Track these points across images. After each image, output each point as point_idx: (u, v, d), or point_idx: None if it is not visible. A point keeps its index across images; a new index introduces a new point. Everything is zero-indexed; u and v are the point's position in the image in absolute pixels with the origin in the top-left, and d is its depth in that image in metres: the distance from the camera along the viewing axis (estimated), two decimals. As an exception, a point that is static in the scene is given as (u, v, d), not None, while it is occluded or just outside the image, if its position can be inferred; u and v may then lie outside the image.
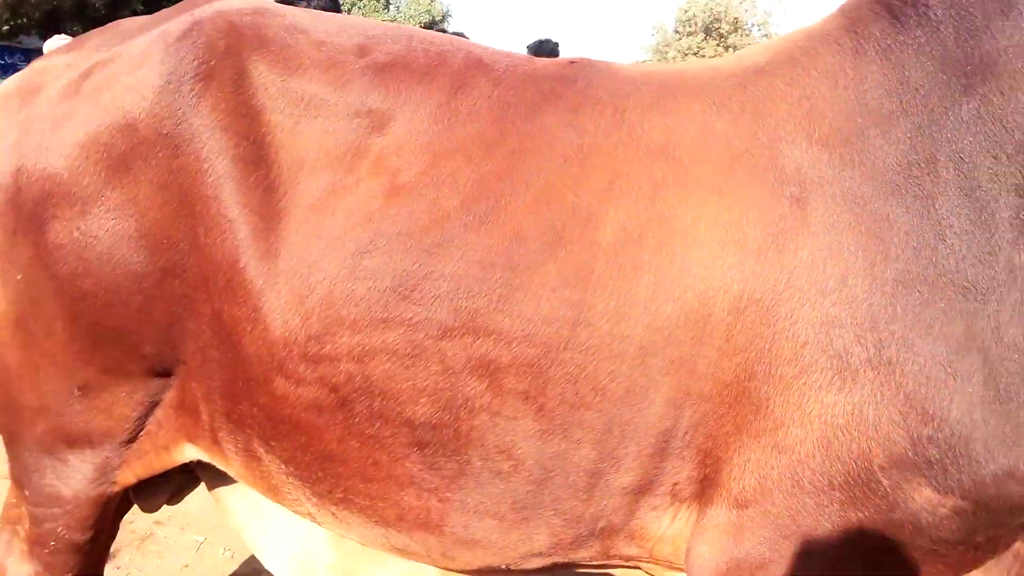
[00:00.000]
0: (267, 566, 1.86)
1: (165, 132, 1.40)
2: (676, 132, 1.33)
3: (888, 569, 1.25)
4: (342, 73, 1.44)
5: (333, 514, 1.48)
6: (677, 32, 33.62)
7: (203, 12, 1.51)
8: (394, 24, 1.75)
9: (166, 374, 1.54)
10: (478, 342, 1.28)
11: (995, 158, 1.21)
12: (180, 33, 1.46)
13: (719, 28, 32.47)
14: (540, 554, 1.43)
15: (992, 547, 1.27)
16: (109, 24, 1.74)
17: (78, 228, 1.45)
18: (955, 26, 1.26)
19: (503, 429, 1.30)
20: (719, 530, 1.32)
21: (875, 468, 1.19)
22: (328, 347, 1.35)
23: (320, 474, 1.43)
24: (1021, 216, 1.20)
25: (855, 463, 1.20)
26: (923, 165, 1.23)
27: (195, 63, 1.42)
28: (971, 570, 1.30)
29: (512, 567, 1.48)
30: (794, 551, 1.27)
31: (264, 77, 1.44)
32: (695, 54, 29.63)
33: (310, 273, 1.36)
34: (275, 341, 1.37)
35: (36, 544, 1.70)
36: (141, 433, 1.59)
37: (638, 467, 1.31)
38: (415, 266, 1.32)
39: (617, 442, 1.29)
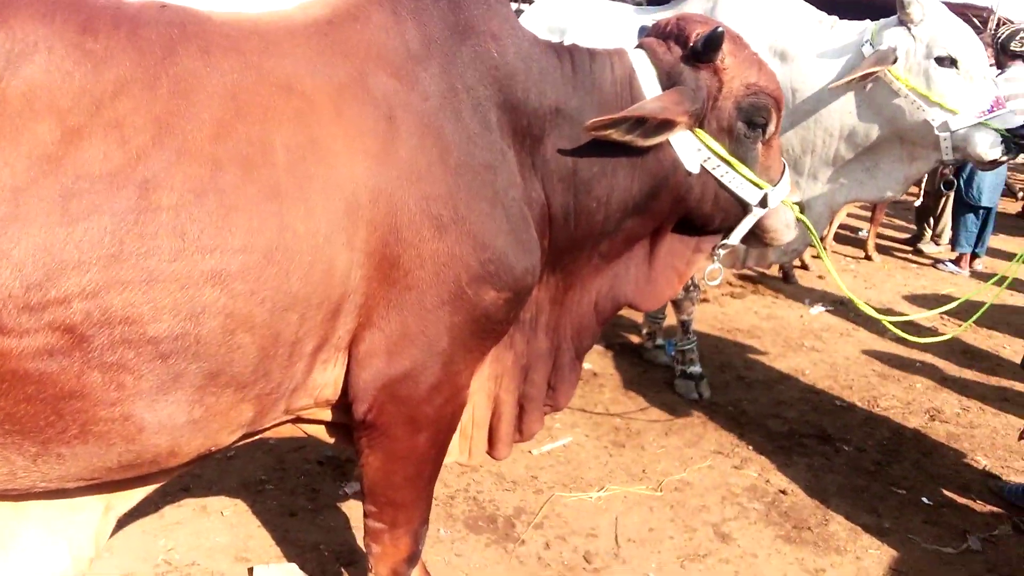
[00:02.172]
0: None
1: None
2: (293, 71, 1.68)
3: (473, 348, 1.95)
4: None
5: (60, 455, 1.47)
6: None
7: None
8: None
9: None
10: (210, 258, 1.48)
11: (485, 87, 1.91)
12: None
13: None
14: (243, 425, 1.71)
15: (516, 319, 2.07)
16: None
17: None
18: None
19: (237, 322, 1.54)
20: (374, 359, 1.82)
21: (463, 285, 1.85)
22: (55, 291, 1.35)
23: (52, 418, 1.42)
24: (502, 120, 1.94)
25: (453, 284, 1.83)
26: (450, 91, 1.86)
27: None
28: (504, 335, 2.10)
29: (215, 448, 1.71)
30: (426, 356, 1.86)
31: None
32: None
33: (7, 225, 1.32)
34: None
35: None
36: None
37: (321, 330, 1.71)
38: (132, 201, 1.41)
39: (314, 312, 1.66)
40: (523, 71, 1.96)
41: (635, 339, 5.02)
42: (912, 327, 4.53)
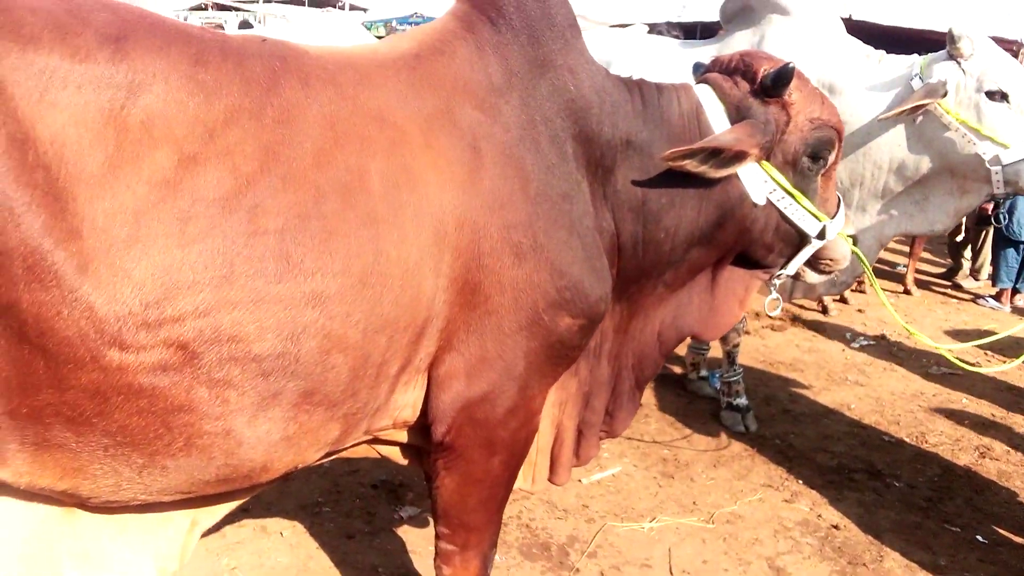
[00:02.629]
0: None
1: None
2: (385, 102, 1.74)
3: (547, 373, 1.98)
4: (77, 42, 1.40)
5: (164, 467, 1.51)
6: None
7: None
8: None
9: None
10: (308, 280, 1.52)
11: (562, 119, 1.96)
12: None
13: None
14: (329, 443, 1.74)
15: (586, 345, 2.10)
16: None
17: None
18: (527, 33, 1.94)
19: (332, 343, 1.58)
20: (454, 381, 1.85)
21: (540, 311, 1.88)
22: (170, 310, 1.40)
23: (161, 431, 1.46)
24: (577, 152, 1.98)
25: (530, 310, 1.86)
26: (530, 123, 1.91)
27: None
28: (575, 360, 2.12)
29: (301, 465, 1.75)
30: (503, 380, 1.89)
31: None
32: None
33: (128, 247, 1.37)
34: (105, 317, 1.35)
35: None
36: None
37: (405, 353, 1.75)
38: (242, 225, 1.46)
39: (401, 335, 1.70)
40: (597, 104, 2.00)
41: (678, 370, 5.01)
42: (960, 361, 4.48)
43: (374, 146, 1.67)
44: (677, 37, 5.08)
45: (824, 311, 6.63)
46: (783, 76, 2.10)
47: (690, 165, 1.99)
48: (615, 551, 3.16)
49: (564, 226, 1.91)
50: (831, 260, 2.39)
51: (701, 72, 2.37)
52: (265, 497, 3.20)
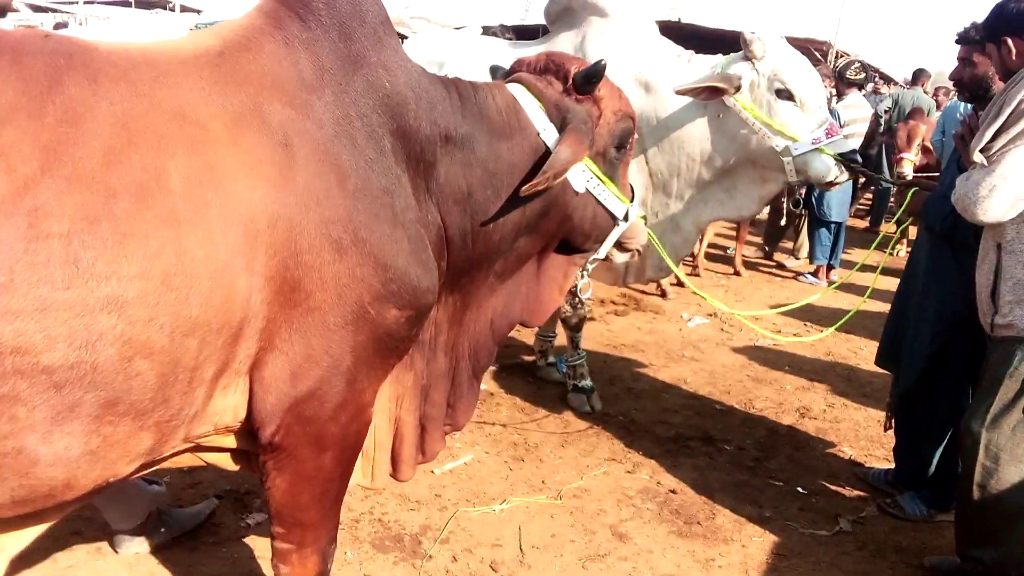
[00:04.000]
0: None
1: None
2: (186, 99, 1.64)
3: (376, 365, 1.94)
4: None
5: None
6: None
7: None
8: None
9: None
10: (101, 285, 1.42)
11: (379, 115, 1.92)
12: None
13: None
14: (142, 454, 1.64)
15: (416, 336, 2.08)
16: None
17: None
18: (338, 30, 1.89)
19: (135, 349, 1.48)
20: (278, 381, 1.79)
21: (366, 304, 1.84)
22: None
23: None
24: (395, 147, 1.95)
25: (355, 304, 1.82)
26: (345, 119, 1.86)
27: None
28: (406, 352, 2.09)
29: (113, 479, 1.63)
30: (331, 375, 1.84)
31: None
32: None
33: None
34: None
35: None
36: None
37: (221, 356, 1.66)
38: (22, 230, 1.34)
39: (214, 337, 1.62)
40: (413, 100, 1.98)
41: (528, 358, 5.08)
42: (781, 332, 4.76)
43: (173, 145, 1.58)
44: (510, 39, 5.14)
45: (663, 295, 6.90)
46: (595, 74, 2.19)
47: (543, 185, 2.07)
48: (467, 535, 3.16)
49: (386, 220, 1.88)
50: (631, 239, 2.56)
51: (504, 73, 2.44)
52: (98, 518, 2.98)
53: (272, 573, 2.12)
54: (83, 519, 2.93)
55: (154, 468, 1.89)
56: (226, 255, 1.60)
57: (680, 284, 7.27)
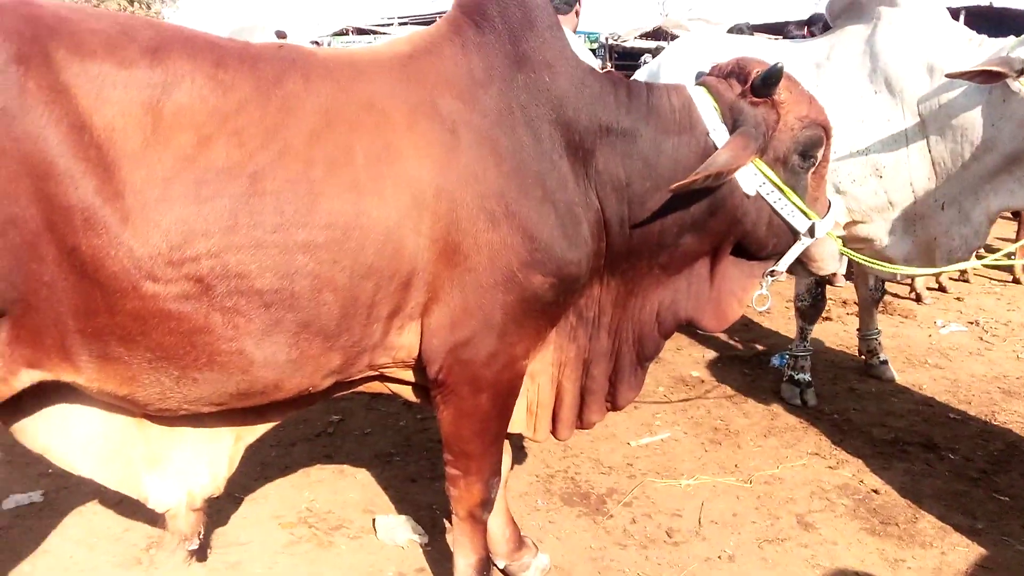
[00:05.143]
0: (83, 473, 2.06)
1: (1, 107, 1.59)
2: (377, 93, 2.01)
3: (525, 324, 2.17)
4: (123, 54, 1.76)
5: (194, 379, 1.86)
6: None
7: None
8: (132, 14, 2.04)
9: (2, 314, 1.71)
10: (300, 231, 1.82)
11: (537, 106, 2.15)
12: None
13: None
14: (334, 371, 2.04)
15: (567, 305, 2.28)
16: None
17: None
18: (508, 34, 2.16)
19: (323, 283, 1.87)
20: (441, 328, 2.10)
21: (514, 269, 2.08)
22: (189, 251, 1.74)
23: (188, 347, 1.81)
24: (553, 135, 2.17)
25: (505, 268, 2.07)
26: (506, 110, 2.12)
27: (11, 50, 1.61)
28: (559, 321, 2.31)
29: (313, 389, 2.05)
30: (483, 327, 2.11)
31: (64, 59, 1.69)
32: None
33: (159, 203, 1.72)
34: (140, 257, 1.70)
35: None
36: None
37: (394, 299, 2.01)
38: (244, 188, 1.78)
39: (387, 282, 1.97)
40: (574, 95, 2.17)
41: (739, 347, 5.00)
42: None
43: (361, 128, 1.95)
44: (794, 38, 5.01)
45: (918, 299, 6.34)
46: (771, 77, 2.17)
47: (696, 185, 2.10)
48: (649, 502, 3.28)
49: (536, 197, 2.10)
50: (815, 261, 2.44)
51: (700, 77, 2.48)
52: (346, 447, 3.58)
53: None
54: (335, 446, 3.50)
55: (352, 390, 2.30)
56: (396, 217, 1.94)
57: (942, 289, 6.64)
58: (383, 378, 2.31)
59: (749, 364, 4.85)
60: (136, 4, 30.16)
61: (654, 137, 2.22)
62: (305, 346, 1.93)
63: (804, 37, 5.70)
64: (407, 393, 2.41)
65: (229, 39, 2.02)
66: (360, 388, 2.33)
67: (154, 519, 2.78)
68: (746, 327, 5.55)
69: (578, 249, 2.17)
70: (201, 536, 2.30)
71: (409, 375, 2.29)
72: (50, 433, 2.03)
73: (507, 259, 2.07)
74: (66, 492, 3.16)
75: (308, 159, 1.86)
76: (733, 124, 2.22)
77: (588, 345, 2.45)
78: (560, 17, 3.83)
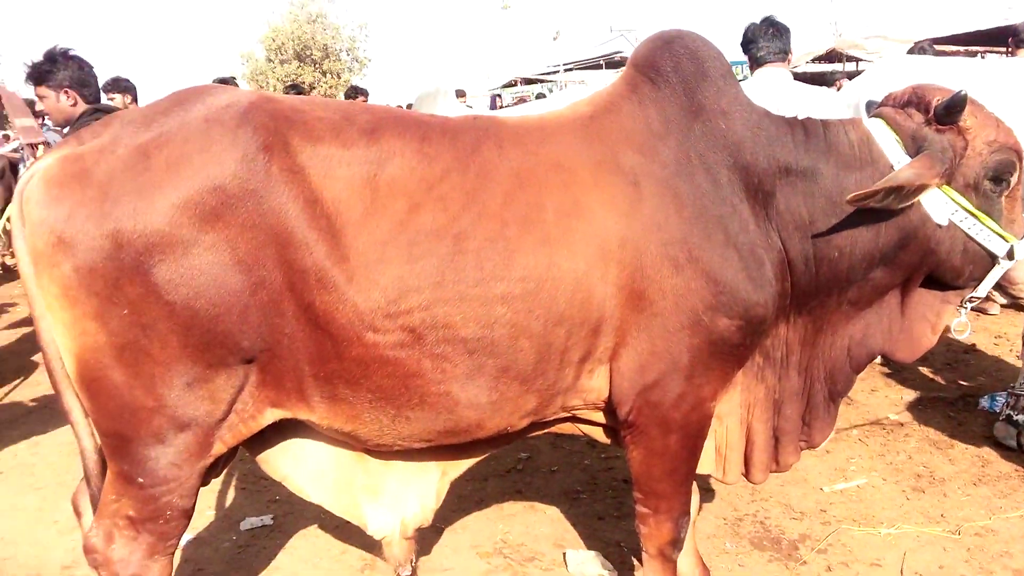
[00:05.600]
0: (314, 500, 2.34)
1: (251, 188, 1.89)
2: (563, 153, 2.17)
3: (713, 366, 2.22)
4: (345, 137, 2.03)
5: (408, 417, 2.07)
6: (270, 60, 33.92)
7: (242, 102, 1.99)
8: (349, 101, 2.34)
9: (251, 361, 1.99)
10: (498, 284, 2.00)
11: (715, 153, 2.22)
12: (238, 121, 1.93)
13: (311, 55, 33.59)
14: (530, 413, 2.18)
15: (753, 346, 2.30)
16: (104, 119, 2.08)
17: (183, 265, 1.86)
18: (682, 87, 2.25)
19: (519, 331, 2.03)
20: (630, 371, 2.19)
21: (699, 313, 2.14)
22: (403, 305, 1.96)
23: (402, 389, 2.02)
24: (732, 179, 2.22)
25: (690, 312, 2.14)
26: (685, 159, 2.20)
27: (259, 141, 1.91)
28: (745, 362, 2.33)
29: (511, 428, 2.20)
30: (671, 370, 2.18)
31: (299, 145, 1.97)
32: (297, 79, 29.89)
33: (378, 264, 1.95)
34: (363, 310, 1.94)
35: (150, 521, 2.02)
36: (233, 410, 2.02)
37: (585, 344, 2.13)
38: (449, 247, 1.98)
39: (578, 329, 2.09)
40: (750, 139, 2.23)
41: (942, 388, 4.65)
42: None
43: (550, 187, 2.11)
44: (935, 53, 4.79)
45: None
46: (956, 104, 2.15)
47: (873, 203, 2.10)
48: (846, 550, 3.15)
49: (718, 241, 2.16)
50: (1016, 284, 2.34)
51: (874, 108, 2.45)
52: (535, 484, 3.72)
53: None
54: (524, 483, 3.65)
55: (546, 430, 2.43)
56: (585, 267, 2.07)
57: None
58: (575, 419, 2.43)
59: (955, 407, 4.50)
60: (328, 75, 33.31)
61: (835, 174, 2.23)
62: (504, 389, 2.09)
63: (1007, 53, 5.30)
64: (597, 434, 2.50)
65: (431, 116, 2.26)
66: (552, 428, 2.46)
67: (367, 543, 3.06)
68: (950, 366, 5.15)
69: (762, 290, 2.19)
70: (413, 563, 2.51)
71: (599, 416, 2.38)
72: (288, 464, 2.33)
73: (692, 303, 2.13)
74: (292, 517, 3.53)
75: (504, 219, 2.04)
76: (916, 152, 2.20)
77: (777, 385, 2.45)
78: (778, 64, 3.88)
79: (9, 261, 9.35)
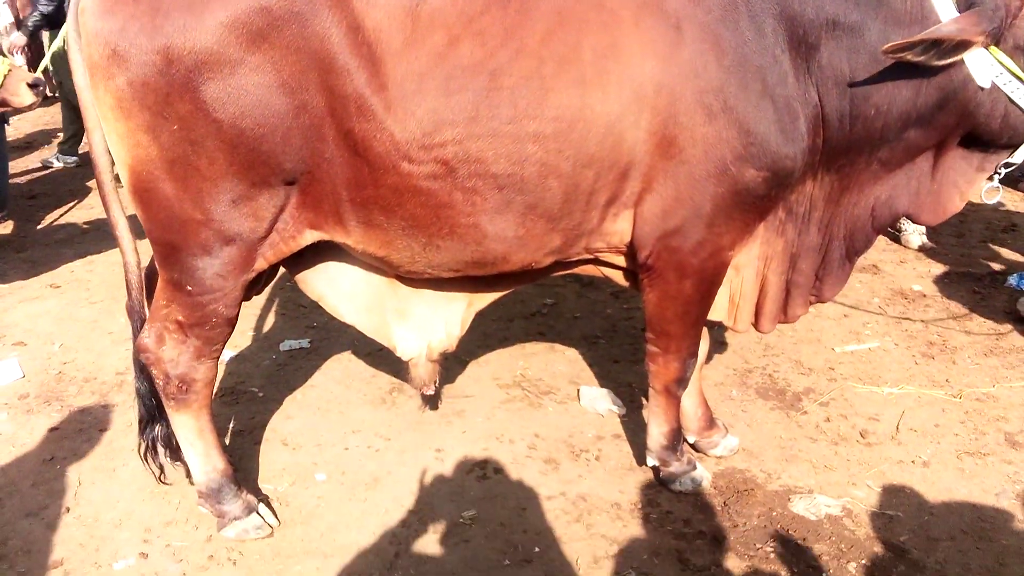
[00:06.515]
0: (347, 319, 2.52)
1: (296, 11, 1.93)
2: None
3: (734, 217, 2.28)
4: None
5: (438, 246, 2.19)
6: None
7: None
8: None
9: (293, 183, 2.11)
10: (532, 122, 2.05)
11: (762, 1, 2.17)
12: None
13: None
14: (554, 251, 2.29)
15: (777, 199, 2.35)
16: None
17: (231, 84, 1.94)
18: None
19: (548, 170, 2.10)
20: (654, 216, 2.26)
21: (727, 163, 2.18)
22: (437, 138, 2.03)
23: (434, 219, 2.14)
24: (776, 29, 2.19)
25: (718, 161, 2.18)
26: (731, 5, 2.17)
27: None
28: (768, 215, 2.38)
29: (536, 265, 2.32)
30: (693, 217, 2.25)
31: None
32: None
33: (415, 95, 2.01)
34: (399, 140, 2.02)
35: (197, 326, 2.22)
36: (275, 228, 2.16)
37: (612, 187, 2.20)
38: (484, 83, 2.03)
39: (606, 172, 2.16)
40: None
41: (972, 264, 4.67)
42: None
43: (590, 26, 2.10)
44: None
45: None
46: None
47: (911, 56, 2.05)
48: (847, 404, 3.31)
49: (755, 92, 2.16)
50: None
51: None
52: (557, 327, 3.90)
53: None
54: (547, 325, 3.84)
55: (568, 271, 2.55)
56: (618, 111, 2.10)
57: None
58: (597, 261, 2.54)
59: (981, 282, 4.53)
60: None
61: (883, 30, 2.18)
62: (531, 225, 2.19)
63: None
64: (618, 277, 2.62)
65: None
66: (575, 270, 2.57)
67: (395, 370, 3.28)
68: (984, 244, 5.13)
69: (794, 144, 2.21)
70: (436, 385, 2.72)
71: (621, 260, 2.49)
72: (324, 284, 2.49)
73: (721, 152, 2.17)
74: (327, 342, 3.77)
75: (541, 56, 2.06)
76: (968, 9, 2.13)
77: (796, 239, 2.51)
78: None
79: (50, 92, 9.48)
